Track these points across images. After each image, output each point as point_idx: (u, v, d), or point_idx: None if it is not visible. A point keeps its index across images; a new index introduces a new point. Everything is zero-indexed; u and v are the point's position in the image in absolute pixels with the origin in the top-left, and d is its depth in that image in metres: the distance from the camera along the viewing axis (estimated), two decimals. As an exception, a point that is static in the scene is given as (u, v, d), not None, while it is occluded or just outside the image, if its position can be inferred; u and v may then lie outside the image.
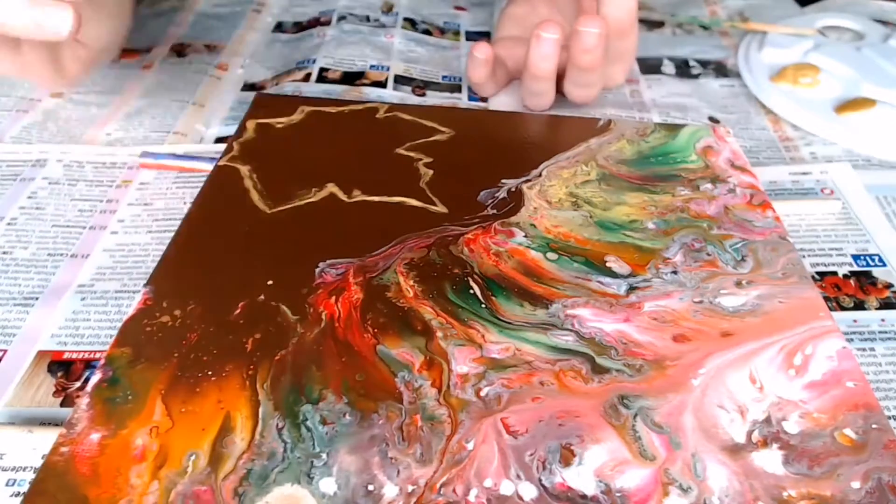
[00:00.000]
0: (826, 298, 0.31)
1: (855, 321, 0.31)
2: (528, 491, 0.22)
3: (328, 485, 0.22)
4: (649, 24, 0.56)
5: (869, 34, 0.52)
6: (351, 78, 0.47)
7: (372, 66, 0.48)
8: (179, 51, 0.50)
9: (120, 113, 0.43)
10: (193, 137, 0.42)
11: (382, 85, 0.46)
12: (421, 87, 0.47)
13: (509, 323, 0.27)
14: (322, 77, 0.47)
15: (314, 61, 0.48)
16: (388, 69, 0.48)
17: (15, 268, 0.32)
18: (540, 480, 0.22)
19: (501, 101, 0.45)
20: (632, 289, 0.29)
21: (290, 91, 0.45)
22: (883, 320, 0.31)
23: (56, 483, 0.21)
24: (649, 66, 0.51)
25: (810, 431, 0.24)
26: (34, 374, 0.27)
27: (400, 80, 0.47)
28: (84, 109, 0.43)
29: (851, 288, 0.32)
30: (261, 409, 0.24)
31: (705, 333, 0.27)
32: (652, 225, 0.32)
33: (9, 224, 0.35)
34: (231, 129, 0.40)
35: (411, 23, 0.55)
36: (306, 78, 0.47)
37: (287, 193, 0.33)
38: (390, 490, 0.22)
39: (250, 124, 0.38)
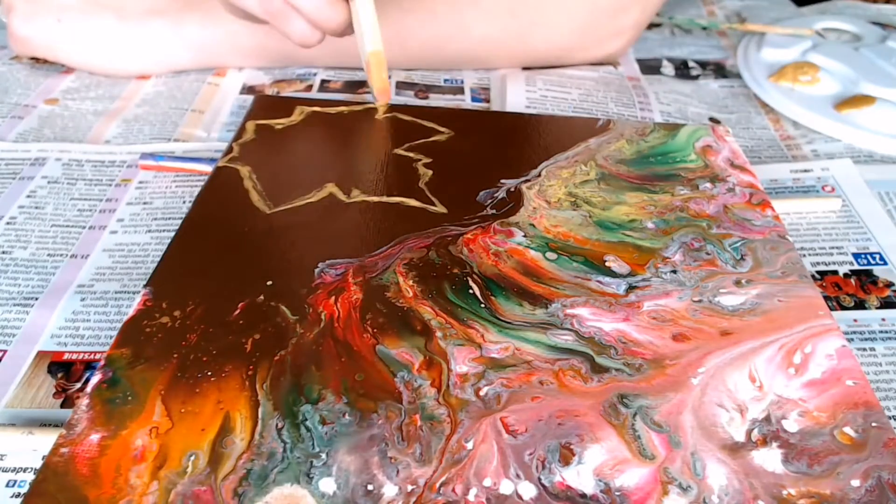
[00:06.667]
0: (826, 298, 0.31)
1: (855, 321, 0.31)
2: (528, 490, 0.22)
3: (328, 485, 0.22)
4: (648, 25, 0.56)
5: (866, 36, 0.52)
6: (353, 87, 0.47)
7: None
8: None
9: (118, 119, 0.43)
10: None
11: None
12: (423, 90, 0.47)
13: (509, 323, 0.27)
14: (324, 88, 0.47)
15: (315, 74, 0.48)
16: (389, 77, 0.48)
17: (14, 268, 0.32)
18: (539, 480, 0.22)
19: None
20: (631, 288, 0.29)
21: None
22: (883, 319, 0.31)
23: (56, 484, 0.21)
24: (649, 67, 0.51)
25: (810, 430, 0.24)
26: (34, 375, 0.27)
27: (402, 86, 0.47)
28: (80, 117, 0.43)
29: (852, 287, 0.32)
30: (260, 410, 0.24)
31: (705, 332, 0.27)
32: (651, 224, 0.32)
33: (8, 224, 0.35)
34: (233, 135, 0.40)
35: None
36: (308, 89, 0.46)
37: (287, 194, 0.33)
38: (390, 490, 0.22)
39: (250, 125, 0.38)
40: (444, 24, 0.45)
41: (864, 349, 0.29)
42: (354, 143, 0.38)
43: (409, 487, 0.22)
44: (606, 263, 0.30)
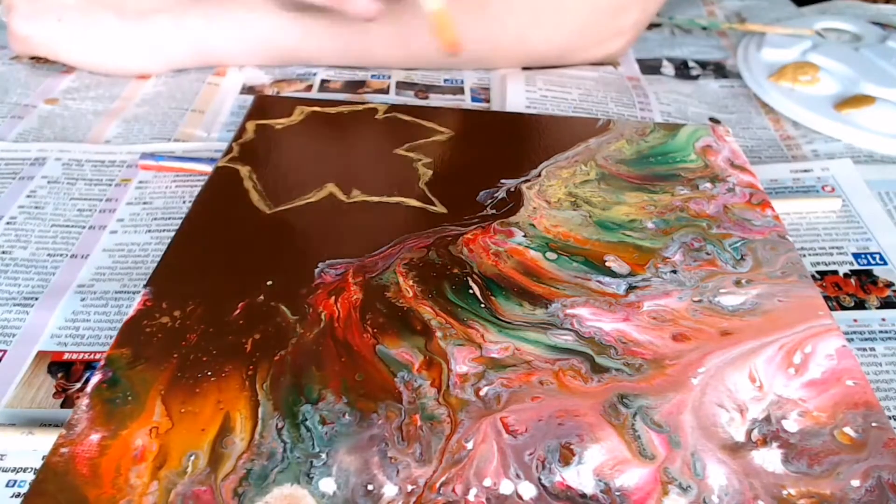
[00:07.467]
0: (827, 298, 0.31)
1: (855, 321, 0.31)
2: (528, 490, 0.22)
3: (328, 485, 0.22)
4: (648, 25, 0.56)
5: (866, 36, 0.52)
6: (353, 87, 0.47)
7: (373, 76, 0.48)
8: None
9: (118, 118, 0.43)
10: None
11: (385, 92, 0.46)
12: (423, 90, 0.47)
13: (509, 323, 0.27)
14: (324, 88, 0.47)
15: (315, 74, 0.48)
16: (388, 77, 0.48)
17: (14, 268, 0.32)
18: (539, 480, 0.22)
19: None
20: (631, 288, 0.29)
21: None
22: (883, 319, 0.31)
23: (56, 484, 0.21)
24: (649, 67, 0.51)
25: (810, 430, 0.24)
26: (34, 375, 0.27)
27: (402, 87, 0.47)
28: (80, 117, 0.43)
29: (852, 287, 0.32)
30: (260, 410, 0.24)
31: (705, 332, 0.27)
32: (651, 224, 0.32)
33: (8, 223, 0.35)
34: (233, 135, 0.40)
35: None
36: (308, 89, 0.46)
37: (287, 194, 0.33)
38: (390, 490, 0.22)
39: (250, 125, 0.38)
40: None
41: (864, 349, 0.29)
42: (354, 143, 0.38)
43: (409, 487, 0.22)
44: (606, 263, 0.30)
